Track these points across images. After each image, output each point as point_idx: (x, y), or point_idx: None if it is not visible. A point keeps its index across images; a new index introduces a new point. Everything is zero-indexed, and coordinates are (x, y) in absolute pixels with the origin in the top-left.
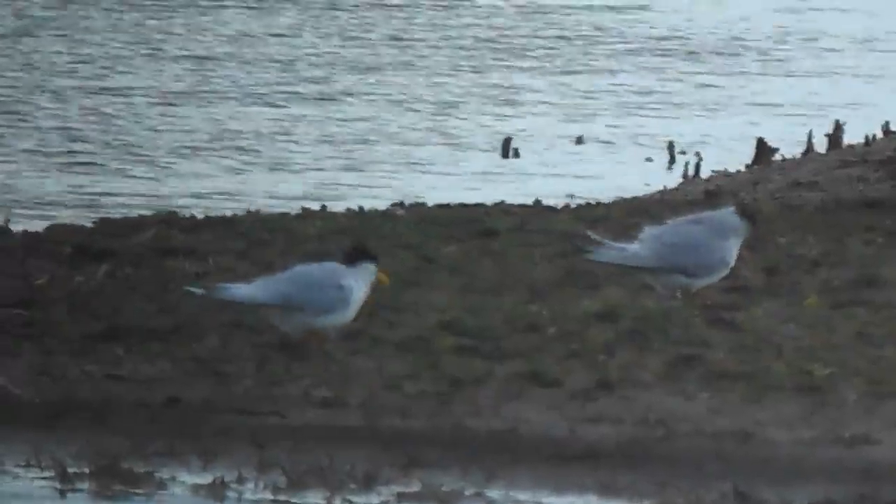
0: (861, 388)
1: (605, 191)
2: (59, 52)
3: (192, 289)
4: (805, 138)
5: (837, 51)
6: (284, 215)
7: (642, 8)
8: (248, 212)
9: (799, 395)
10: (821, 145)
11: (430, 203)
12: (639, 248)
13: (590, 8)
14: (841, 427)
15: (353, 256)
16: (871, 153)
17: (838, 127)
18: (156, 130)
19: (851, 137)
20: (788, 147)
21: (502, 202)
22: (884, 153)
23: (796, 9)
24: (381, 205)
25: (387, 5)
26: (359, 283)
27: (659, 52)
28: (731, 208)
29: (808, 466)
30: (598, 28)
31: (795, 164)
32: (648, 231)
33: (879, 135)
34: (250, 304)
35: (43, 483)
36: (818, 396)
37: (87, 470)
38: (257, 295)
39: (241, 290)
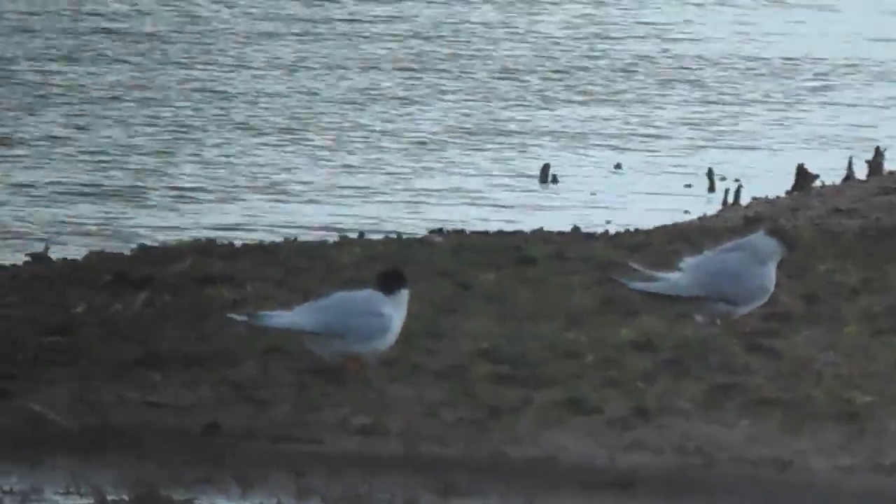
0: None
1: (644, 218)
2: (95, 80)
3: (234, 316)
4: (845, 165)
5: (877, 79)
6: (322, 243)
7: (687, 38)
8: (286, 239)
9: (838, 423)
10: (861, 172)
11: (468, 230)
12: (679, 277)
13: (633, 37)
14: (880, 455)
15: (390, 284)
16: None
17: (878, 153)
18: (197, 163)
19: (892, 164)
20: (828, 174)
21: (540, 229)
22: None
23: (835, 35)
24: (419, 232)
25: (428, 37)
26: (398, 310)
27: (699, 79)
28: (762, 231)
29: (846, 494)
30: (639, 55)
31: (835, 190)
32: (689, 261)
33: None
34: (291, 332)
35: None
36: (857, 424)
37: (125, 497)
38: (298, 322)
39: (283, 318)
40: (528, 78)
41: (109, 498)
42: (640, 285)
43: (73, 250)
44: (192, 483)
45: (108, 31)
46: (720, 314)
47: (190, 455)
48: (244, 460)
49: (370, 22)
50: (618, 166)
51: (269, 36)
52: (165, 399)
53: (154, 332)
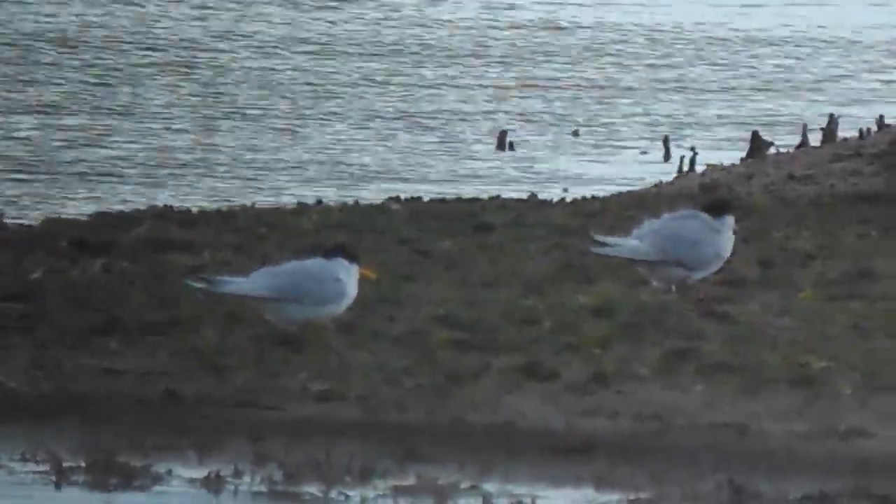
0: (855, 381)
1: (600, 185)
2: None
3: (191, 282)
4: (799, 132)
5: (833, 46)
6: (280, 209)
7: (648, 6)
8: (244, 206)
9: (794, 387)
10: (815, 139)
11: (426, 197)
12: (638, 242)
13: (598, 3)
14: (835, 420)
15: (340, 253)
16: (865, 147)
17: (832, 120)
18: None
19: (845, 131)
20: (783, 141)
21: (498, 196)
22: (878, 146)
23: (799, 7)
24: (377, 199)
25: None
26: (351, 278)
27: (655, 46)
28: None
29: (802, 459)
30: (598, 21)
31: (790, 157)
32: (647, 225)
33: (874, 128)
34: (248, 297)
35: (38, 477)
36: (813, 389)
37: (82, 464)
38: (256, 287)
39: (240, 284)
40: (484, 46)
41: (66, 464)
42: (601, 250)
43: (31, 217)
44: (150, 450)
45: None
46: (676, 278)
47: (148, 422)
48: (203, 427)
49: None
50: (575, 133)
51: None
52: (123, 366)
53: (112, 299)
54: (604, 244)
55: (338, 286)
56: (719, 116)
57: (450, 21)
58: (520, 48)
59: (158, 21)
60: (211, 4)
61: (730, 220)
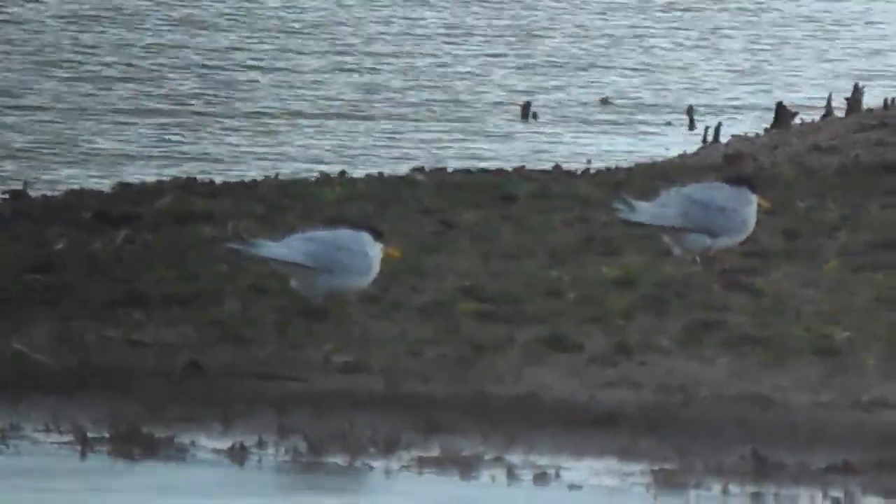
0: (880, 352)
1: (624, 155)
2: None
3: (232, 245)
4: (824, 102)
5: (858, 17)
6: (304, 180)
7: None
8: (267, 177)
9: (818, 359)
10: (840, 109)
11: (450, 168)
12: (665, 207)
13: None
14: (859, 391)
15: (367, 229)
16: (889, 116)
17: (857, 90)
18: (186, 94)
19: (870, 101)
20: (808, 111)
21: (522, 167)
22: None
23: None
24: (401, 170)
25: None
26: (377, 253)
27: (680, 19)
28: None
29: (826, 430)
30: None
31: (814, 128)
32: (674, 192)
33: None
34: (282, 262)
35: (63, 448)
36: (837, 360)
37: (106, 435)
38: (291, 253)
39: (275, 248)
40: (511, 17)
41: (90, 435)
42: (628, 214)
43: (54, 189)
44: (173, 421)
45: None
46: (700, 247)
47: (172, 393)
48: (226, 398)
49: None
50: (605, 100)
51: None
52: (147, 338)
53: (135, 271)
54: (630, 208)
55: (367, 260)
56: (744, 88)
57: None
58: (541, 21)
59: None
60: None
61: (752, 197)
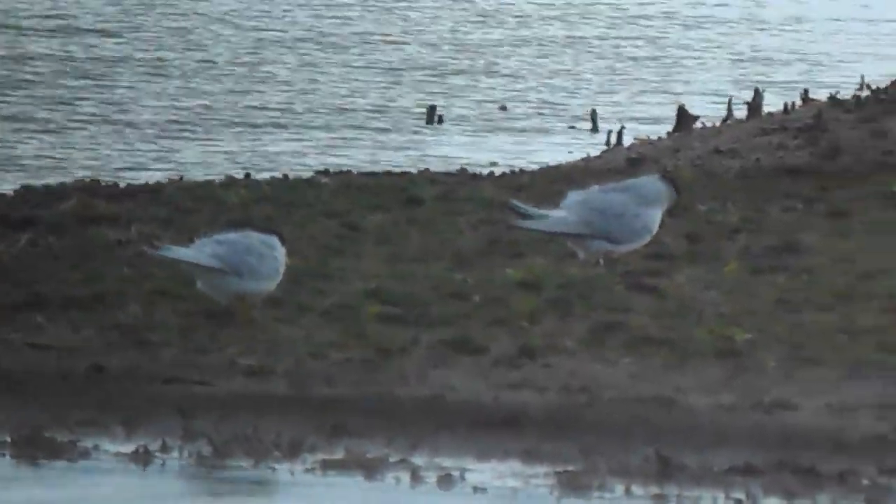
0: (781, 354)
1: (528, 159)
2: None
3: (146, 249)
4: (725, 106)
5: (764, 25)
6: (209, 183)
7: None
8: (171, 180)
9: (719, 360)
10: (740, 113)
11: (355, 171)
12: (564, 214)
13: None
14: (761, 392)
15: (273, 232)
16: (790, 121)
17: (758, 95)
18: (79, 99)
19: (770, 105)
20: (709, 115)
21: (427, 170)
22: (803, 121)
23: None
24: (306, 173)
25: None
26: (284, 256)
27: (583, 21)
28: (656, 176)
29: (728, 431)
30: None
31: (716, 131)
32: (573, 197)
33: (798, 102)
34: (193, 265)
35: None
36: (738, 362)
37: (8, 439)
38: (201, 256)
39: (184, 251)
40: (418, 21)
41: None
42: (526, 223)
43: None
44: (76, 425)
45: None
46: (602, 252)
47: (74, 397)
48: (130, 402)
49: None
50: (503, 108)
51: None
52: (49, 341)
53: (38, 274)
54: (526, 215)
55: (275, 263)
56: (645, 91)
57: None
58: (452, 25)
59: None
60: None
61: (664, 195)
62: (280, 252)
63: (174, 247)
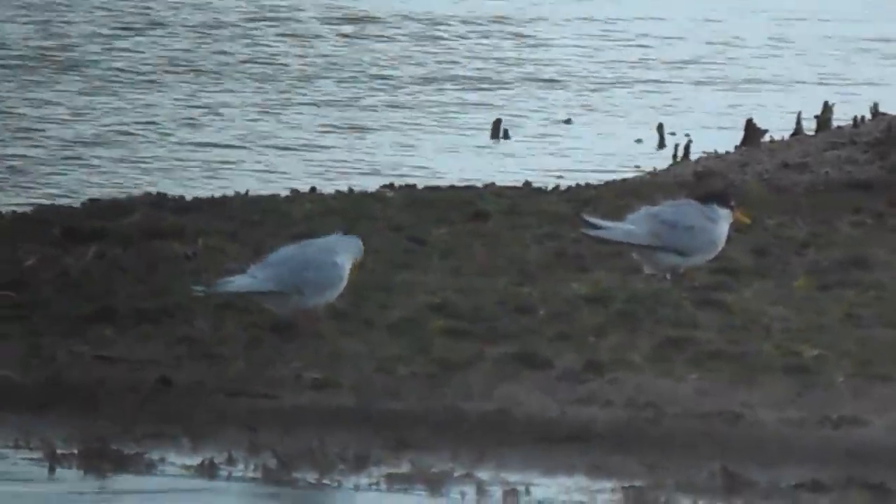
0: (849, 370)
1: (595, 173)
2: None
3: (196, 288)
4: (794, 120)
5: (830, 36)
6: (274, 197)
7: None
8: (238, 193)
9: (787, 376)
10: (810, 127)
11: (421, 185)
12: (633, 227)
13: None
14: (829, 408)
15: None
16: (859, 135)
17: (827, 108)
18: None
19: (840, 119)
20: (778, 128)
21: (493, 184)
22: (872, 135)
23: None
24: (371, 186)
25: None
26: (347, 258)
27: (649, 35)
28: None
29: (796, 447)
30: (587, 14)
31: (784, 145)
32: (643, 210)
33: (868, 116)
34: (250, 293)
35: (32, 464)
36: (806, 377)
37: (75, 451)
38: (257, 284)
39: (241, 281)
40: (477, 33)
41: (59, 451)
42: (598, 232)
43: (24, 204)
44: (142, 437)
45: None
46: (668, 266)
47: (141, 410)
48: (196, 415)
49: None
50: (568, 121)
51: None
52: (117, 354)
53: (106, 287)
54: (595, 226)
55: (336, 271)
56: (714, 104)
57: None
58: (507, 40)
59: None
60: None
61: (726, 212)
62: (342, 257)
63: (229, 280)
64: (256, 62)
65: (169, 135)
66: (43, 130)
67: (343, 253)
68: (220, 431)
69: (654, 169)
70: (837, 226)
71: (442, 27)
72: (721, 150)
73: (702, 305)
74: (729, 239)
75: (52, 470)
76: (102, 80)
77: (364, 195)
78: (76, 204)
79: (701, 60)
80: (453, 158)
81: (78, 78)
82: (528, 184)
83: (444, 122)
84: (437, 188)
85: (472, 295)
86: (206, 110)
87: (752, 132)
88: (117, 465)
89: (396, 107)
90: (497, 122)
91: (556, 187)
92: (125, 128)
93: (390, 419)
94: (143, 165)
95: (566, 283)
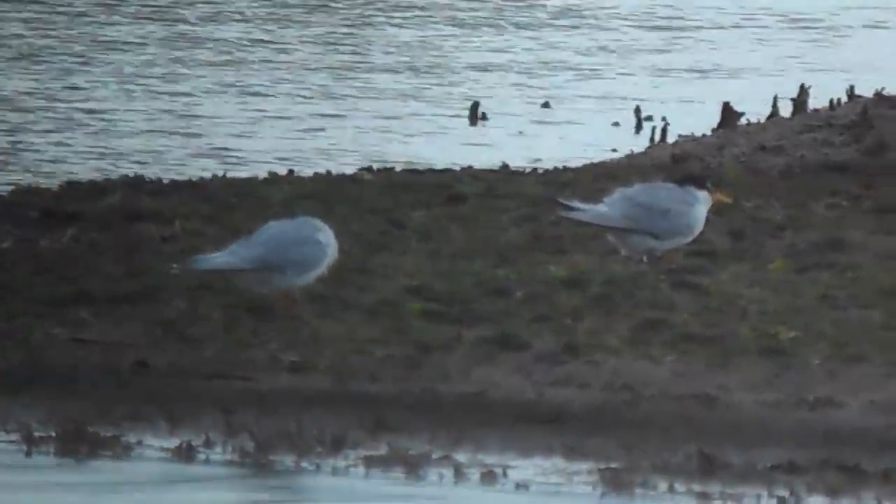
0: (825, 352)
1: (572, 156)
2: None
3: (174, 266)
4: (770, 102)
5: (805, 17)
6: (252, 179)
7: None
8: (215, 176)
9: (763, 358)
10: (786, 109)
11: (398, 168)
12: (608, 209)
13: None
14: (805, 390)
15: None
16: (835, 117)
17: (803, 91)
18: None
19: (816, 102)
20: (754, 111)
21: (470, 167)
22: (848, 117)
23: None
24: (349, 169)
25: None
26: (329, 237)
27: (625, 19)
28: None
29: (772, 429)
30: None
31: (760, 128)
32: (618, 193)
33: (844, 99)
34: (230, 271)
35: (8, 447)
36: (782, 360)
37: (53, 434)
38: (236, 261)
39: (219, 259)
40: (455, 18)
41: (37, 434)
42: (574, 213)
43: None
44: (120, 420)
45: None
46: (645, 248)
47: (118, 392)
48: (173, 397)
49: None
50: (546, 104)
51: None
52: (93, 336)
53: (82, 269)
54: (571, 209)
55: (319, 249)
56: (691, 88)
57: None
58: (488, 19)
59: None
60: None
61: (703, 195)
62: (325, 234)
63: (210, 256)
64: (242, 47)
65: (153, 119)
66: (22, 112)
67: (325, 231)
68: (197, 414)
69: (632, 151)
70: (813, 208)
71: (423, 12)
72: (698, 133)
73: (678, 288)
74: (707, 221)
75: (28, 453)
76: (78, 57)
77: (342, 178)
78: (53, 186)
79: (677, 45)
80: (431, 142)
81: (54, 59)
82: (505, 166)
83: (421, 106)
84: (414, 171)
85: (450, 277)
86: (188, 97)
87: (728, 115)
88: (94, 448)
89: (374, 90)
90: (475, 106)
91: (534, 170)
92: (104, 107)
93: (368, 401)
94: (120, 148)
95: (543, 265)
